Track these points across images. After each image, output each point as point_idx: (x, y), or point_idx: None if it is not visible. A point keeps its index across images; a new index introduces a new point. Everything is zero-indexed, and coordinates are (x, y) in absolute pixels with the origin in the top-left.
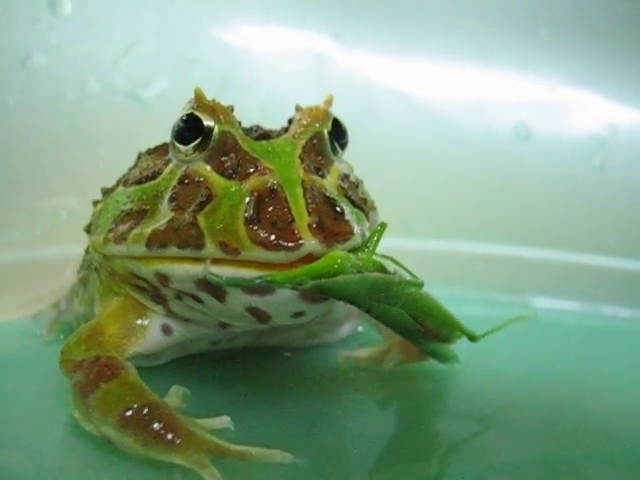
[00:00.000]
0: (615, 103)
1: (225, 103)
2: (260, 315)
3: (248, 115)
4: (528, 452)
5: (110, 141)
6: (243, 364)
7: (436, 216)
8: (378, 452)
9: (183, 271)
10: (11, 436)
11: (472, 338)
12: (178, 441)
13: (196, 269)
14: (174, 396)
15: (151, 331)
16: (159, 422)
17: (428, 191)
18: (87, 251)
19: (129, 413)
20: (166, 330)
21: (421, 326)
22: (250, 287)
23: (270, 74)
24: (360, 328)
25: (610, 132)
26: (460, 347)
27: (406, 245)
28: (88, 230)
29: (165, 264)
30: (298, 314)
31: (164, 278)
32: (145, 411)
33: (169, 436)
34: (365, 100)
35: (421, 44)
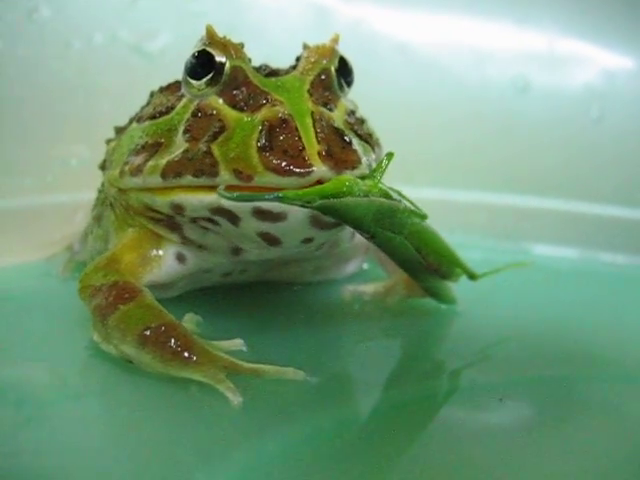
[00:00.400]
0: (612, 54)
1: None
2: (271, 239)
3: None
4: (531, 375)
5: (117, 92)
6: (254, 297)
7: (435, 165)
8: (383, 376)
9: (197, 200)
10: (37, 358)
11: (471, 276)
12: (195, 358)
13: (210, 197)
14: (189, 322)
15: (166, 260)
16: (176, 340)
17: (427, 141)
18: (100, 190)
19: (148, 332)
20: (180, 258)
21: (423, 259)
22: (261, 211)
23: (274, 27)
24: (365, 266)
25: (608, 83)
26: (460, 290)
27: (405, 193)
28: (102, 167)
29: (179, 195)
30: (307, 240)
31: (179, 208)
32: (163, 330)
33: (186, 353)
34: (366, 51)
35: None
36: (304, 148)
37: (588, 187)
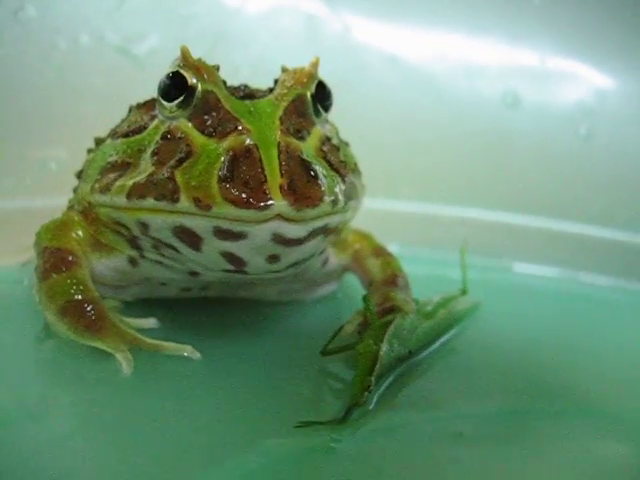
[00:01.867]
0: (604, 73)
1: (216, 60)
2: (235, 261)
3: (240, 72)
4: (494, 407)
5: (101, 95)
6: (215, 307)
7: (421, 179)
8: (326, 396)
9: (161, 220)
10: None
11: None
12: (103, 331)
13: (173, 219)
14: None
15: (117, 256)
16: (91, 315)
17: (414, 154)
18: (74, 190)
19: (68, 305)
20: (133, 262)
21: None
22: (221, 230)
23: (262, 33)
24: (339, 294)
25: (598, 101)
26: None
27: (391, 207)
28: (79, 176)
29: (145, 214)
30: (273, 257)
31: (144, 226)
32: (82, 305)
33: (96, 326)
34: (354, 62)
35: (412, 8)
36: (265, 181)
37: (572, 206)
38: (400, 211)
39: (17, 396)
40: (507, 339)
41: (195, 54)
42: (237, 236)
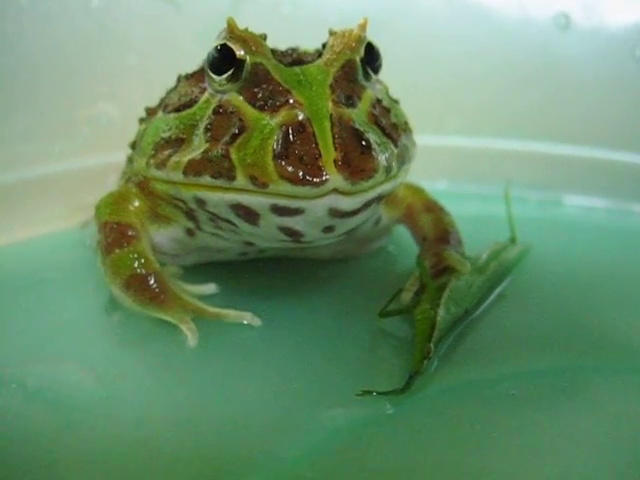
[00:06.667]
0: None
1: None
2: (293, 233)
3: (281, 8)
4: (544, 366)
5: (142, 44)
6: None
7: (468, 112)
8: (378, 359)
9: (218, 197)
10: (70, 352)
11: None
12: (167, 303)
13: (230, 196)
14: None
15: (174, 227)
16: (155, 287)
17: (462, 86)
18: (129, 160)
19: (132, 279)
20: (190, 233)
21: None
22: (278, 207)
23: None
24: (391, 247)
25: None
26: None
27: (437, 142)
28: (133, 146)
29: (202, 190)
30: (328, 228)
31: (201, 202)
32: (145, 279)
33: (160, 299)
34: None
35: None
36: (320, 156)
37: (624, 136)
38: (446, 146)
39: (88, 367)
40: (560, 285)
41: None
42: (294, 212)
